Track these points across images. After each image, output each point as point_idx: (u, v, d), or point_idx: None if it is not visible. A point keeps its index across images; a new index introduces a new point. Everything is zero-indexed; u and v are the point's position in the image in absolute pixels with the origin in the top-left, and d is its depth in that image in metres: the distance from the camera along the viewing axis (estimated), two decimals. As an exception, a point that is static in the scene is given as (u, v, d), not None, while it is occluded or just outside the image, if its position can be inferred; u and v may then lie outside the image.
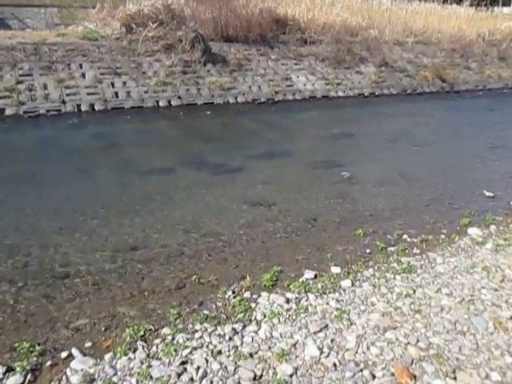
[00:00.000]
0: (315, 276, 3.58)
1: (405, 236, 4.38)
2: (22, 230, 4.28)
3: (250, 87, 10.16)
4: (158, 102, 9.00)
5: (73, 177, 5.61)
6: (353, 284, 3.45)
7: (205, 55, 10.32)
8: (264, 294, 3.34)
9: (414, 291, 3.36)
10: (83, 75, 9.10)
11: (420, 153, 7.26)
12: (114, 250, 3.98)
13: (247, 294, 3.34)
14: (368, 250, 4.07)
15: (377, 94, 11.45)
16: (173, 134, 7.83)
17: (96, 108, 8.48)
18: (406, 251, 4.05)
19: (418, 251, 4.06)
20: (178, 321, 3.04)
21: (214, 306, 3.21)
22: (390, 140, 7.76)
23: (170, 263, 3.81)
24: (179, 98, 9.25)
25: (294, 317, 3.05)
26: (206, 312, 3.12)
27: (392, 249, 4.10)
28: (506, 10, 22.00)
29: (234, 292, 3.38)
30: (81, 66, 9.34)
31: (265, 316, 3.05)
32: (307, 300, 3.25)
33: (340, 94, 11.01)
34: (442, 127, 9.13)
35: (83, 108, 8.39)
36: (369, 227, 4.54)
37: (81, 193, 5.15)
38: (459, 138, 8.28)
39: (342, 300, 3.25)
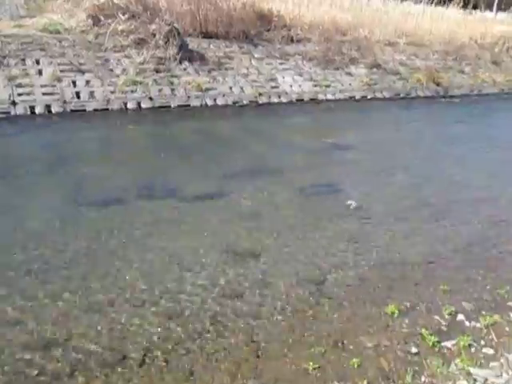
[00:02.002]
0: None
1: (460, 316, 3.20)
2: None
3: (231, 88, 9.13)
4: (125, 103, 7.90)
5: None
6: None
7: (181, 52, 9.26)
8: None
9: None
10: (39, 72, 7.95)
11: (436, 171, 6.25)
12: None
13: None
14: (413, 348, 2.88)
15: (369, 97, 10.55)
16: (138, 144, 6.64)
17: (53, 110, 7.34)
18: (472, 351, 2.85)
19: (491, 350, 2.86)
20: None
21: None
22: (394, 153, 6.84)
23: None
24: (150, 99, 8.17)
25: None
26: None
27: (448, 344, 2.90)
28: (489, 14, 21.57)
29: None
30: (37, 61, 8.18)
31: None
32: None
33: (329, 96, 10.07)
34: (453, 138, 8.16)
35: (37, 110, 7.24)
36: (402, 298, 3.38)
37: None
38: (476, 153, 7.33)
39: None
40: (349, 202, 4.90)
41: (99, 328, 2.92)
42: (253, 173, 5.64)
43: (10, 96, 7.27)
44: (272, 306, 3.27)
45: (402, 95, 11.12)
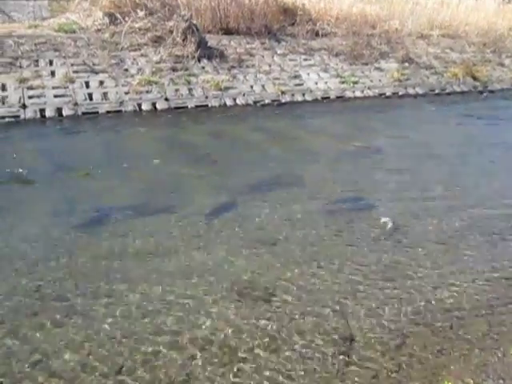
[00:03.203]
0: None
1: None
2: None
3: (252, 87, 8.61)
4: (139, 105, 7.48)
5: None
6: None
7: (199, 49, 8.80)
8: None
9: None
10: (52, 73, 7.63)
11: (487, 183, 5.39)
12: None
13: None
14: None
15: (400, 94, 9.83)
16: (149, 149, 6.10)
17: (64, 113, 6.99)
18: None
19: None
20: None
21: None
22: (435, 160, 6.07)
23: None
24: (166, 100, 7.74)
25: None
26: None
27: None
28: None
29: None
30: (51, 62, 7.87)
31: None
32: None
33: (357, 94, 9.41)
34: (500, 140, 7.31)
35: (48, 113, 6.90)
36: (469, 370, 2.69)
37: None
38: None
39: None
40: (383, 220, 4.23)
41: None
42: (272, 184, 5.06)
43: (20, 99, 6.96)
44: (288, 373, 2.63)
45: (436, 91, 10.34)
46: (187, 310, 3.11)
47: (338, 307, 3.20)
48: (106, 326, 2.95)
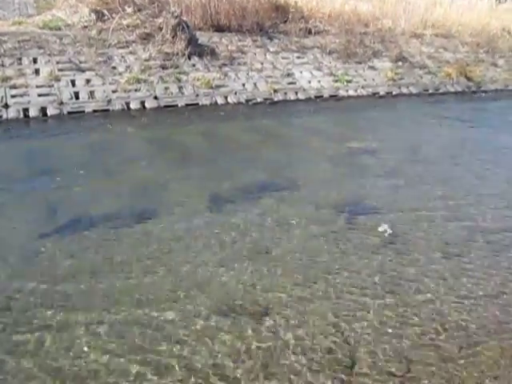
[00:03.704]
0: None
1: None
2: None
3: (244, 85, 8.40)
4: (128, 104, 7.24)
5: None
6: None
7: (189, 46, 8.56)
8: None
9: None
10: (36, 71, 7.36)
11: (486, 187, 5.19)
12: None
13: None
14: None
15: (394, 93, 9.67)
16: (137, 151, 5.84)
17: (48, 113, 6.72)
18: None
19: None
20: None
21: None
22: (433, 162, 5.89)
23: None
24: (155, 98, 7.50)
25: None
26: None
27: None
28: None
29: None
30: (35, 60, 7.59)
31: None
32: None
33: (351, 92, 9.23)
34: (496, 142, 7.09)
35: (32, 113, 6.63)
36: None
37: None
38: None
39: None
40: (381, 228, 4.00)
41: None
42: (264, 188, 4.83)
43: (2, 98, 6.68)
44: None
45: (430, 91, 10.20)
46: (172, 330, 2.86)
47: (334, 327, 2.94)
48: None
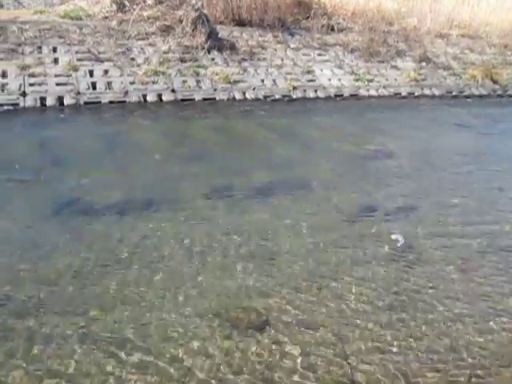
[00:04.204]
0: None
1: None
2: None
3: (263, 81, 8.27)
4: (145, 96, 7.18)
5: None
6: None
7: (209, 40, 8.47)
8: None
9: None
10: (55, 61, 7.36)
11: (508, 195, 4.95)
12: None
13: None
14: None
15: (416, 94, 9.42)
16: (151, 144, 5.76)
17: (65, 102, 6.71)
18: None
19: None
20: None
21: None
22: (454, 168, 5.63)
23: None
24: (173, 91, 7.43)
25: None
26: None
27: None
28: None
29: None
30: (54, 49, 7.59)
31: None
32: None
33: (372, 92, 9.03)
34: None
35: (48, 102, 6.63)
36: None
37: None
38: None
39: None
40: (394, 237, 3.83)
41: None
42: (276, 188, 4.69)
43: (20, 86, 6.69)
44: None
45: (454, 93, 9.91)
46: (169, 337, 2.74)
47: (339, 344, 2.77)
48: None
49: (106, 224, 3.83)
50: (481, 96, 10.19)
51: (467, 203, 4.74)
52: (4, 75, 6.81)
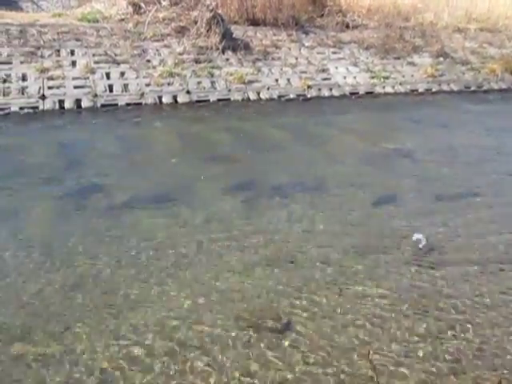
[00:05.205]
0: None
1: None
2: None
3: (277, 80, 8.27)
4: (160, 97, 7.26)
5: None
6: None
7: (224, 40, 8.52)
8: None
9: None
10: (73, 63, 7.49)
11: None
12: None
13: None
14: None
15: (434, 90, 9.31)
16: (167, 146, 5.85)
17: (83, 105, 6.84)
18: None
19: None
20: None
21: None
22: (475, 166, 5.50)
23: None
24: (188, 92, 7.49)
25: None
26: None
27: None
28: None
29: None
30: (72, 52, 7.73)
31: None
32: None
33: (388, 89, 8.94)
34: None
35: (67, 105, 6.76)
36: None
37: None
38: None
39: None
40: (416, 237, 3.74)
41: None
42: (292, 189, 4.70)
43: (40, 89, 6.84)
44: None
45: (472, 88, 9.75)
46: (186, 341, 2.74)
47: (362, 347, 2.74)
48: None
49: (122, 226, 3.90)
50: (500, 90, 9.99)
51: (489, 202, 4.63)
52: (24, 78, 6.97)
